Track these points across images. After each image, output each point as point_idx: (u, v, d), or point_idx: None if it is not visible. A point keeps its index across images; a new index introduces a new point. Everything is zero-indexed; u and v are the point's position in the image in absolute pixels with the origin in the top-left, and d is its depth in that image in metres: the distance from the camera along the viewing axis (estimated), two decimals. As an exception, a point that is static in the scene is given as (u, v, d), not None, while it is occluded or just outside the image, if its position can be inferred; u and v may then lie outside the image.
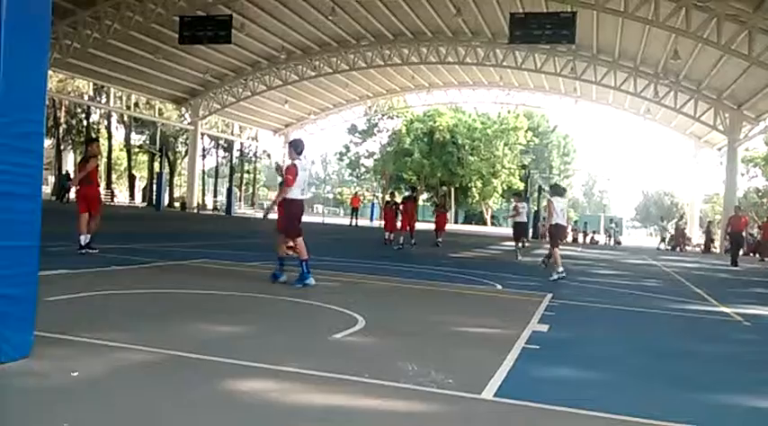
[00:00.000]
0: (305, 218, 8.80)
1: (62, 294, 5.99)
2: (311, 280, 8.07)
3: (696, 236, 38.66)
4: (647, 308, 8.67)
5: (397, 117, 67.63)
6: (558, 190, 13.09)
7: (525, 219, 14.82)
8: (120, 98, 43.73)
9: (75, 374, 3.66)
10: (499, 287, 9.92)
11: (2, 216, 3.62)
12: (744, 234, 24.40)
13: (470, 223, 70.75)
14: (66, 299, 5.91)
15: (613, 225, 49.40)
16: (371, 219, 47.16)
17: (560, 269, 12.09)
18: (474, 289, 9.46)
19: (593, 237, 41.61)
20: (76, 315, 5.36)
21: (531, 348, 5.19)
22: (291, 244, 8.39)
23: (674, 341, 6.56)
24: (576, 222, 50.28)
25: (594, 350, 5.65)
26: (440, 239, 20.98)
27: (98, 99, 47.71)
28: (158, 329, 5.05)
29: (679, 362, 5.42)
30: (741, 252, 24.25)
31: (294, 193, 8.15)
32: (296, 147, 8.48)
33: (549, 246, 12.91)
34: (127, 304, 6.26)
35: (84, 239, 10.01)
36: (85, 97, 47.86)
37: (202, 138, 53.79)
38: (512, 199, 17.70)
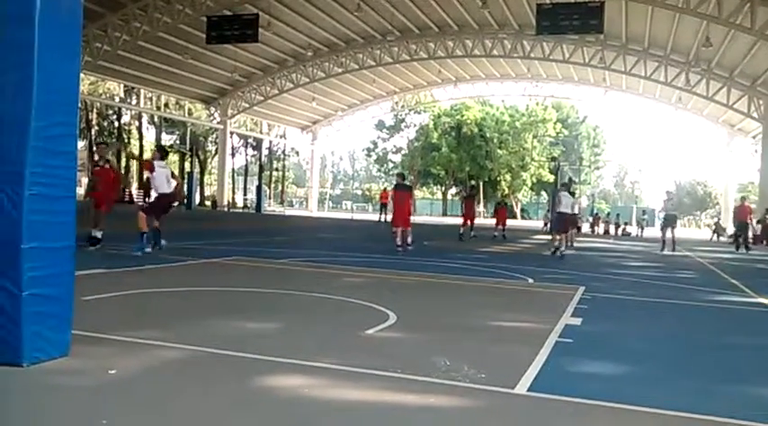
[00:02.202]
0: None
1: (98, 293, 6.09)
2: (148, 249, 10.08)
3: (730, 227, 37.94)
4: (681, 300, 8.54)
5: (424, 112, 67.50)
6: (566, 186, 16.87)
7: (568, 211, 15.86)
8: (151, 99, 44.34)
9: (113, 372, 3.72)
10: (531, 280, 9.85)
11: (38, 217, 3.69)
12: (748, 222, 24.94)
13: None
14: (103, 298, 6.00)
15: (647, 215, 48.52)
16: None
17: (560, 247, 15.12)
18: (505, 283, 9.41)
19: (624, 229, 41.10)
20: (112, 314, 5.45)
21: (564, 341, 5.14)
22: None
23: (710, 333, 6.44)
24: (608, 214, 49.68)
25: (628, 343, 5.57)
26: (503, 233, 22.57)
27: (129, 100, 48.44)
28: (192, 326, 5.11)
29: (717, 355, 5.33)
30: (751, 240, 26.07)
31: (163, 188, 10.37)
32: (158, 150, 11.64)
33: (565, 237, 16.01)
34: (161, 302, 6.35)
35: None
36: (116, 99, 48.60)
37: (231, 137, 54.28)
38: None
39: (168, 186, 10.40)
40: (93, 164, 12.07)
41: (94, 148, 15.14)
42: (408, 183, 15.94)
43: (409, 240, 14.49)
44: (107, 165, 11.52)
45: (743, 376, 4.62)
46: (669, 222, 19.42)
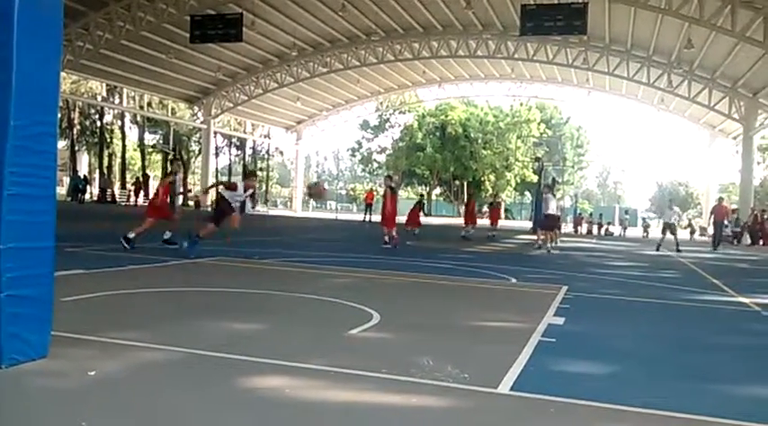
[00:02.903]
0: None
1: (78, 294, 6.03)
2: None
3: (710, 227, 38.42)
4: (663, 300, 8.60)
5: (409, 112, 67.49)
6: (550, 188, 19.66)
7: (552, 212, 17.80)
8: (133, 98, 43.98)
9: (93, 373, 3.68)
10: (514, 280, 9.88)
11: (17, 217, 3.64)
12: (725, 222, 26.14)
13: (484, 216, 70.56)
14: (83, 299, 5.94)
15: (629, 215, 48.89)
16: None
17: (546, 244, 17.50)
18: (489, 283, 9.43)
19: (607, 229, 41.40)
20: (93, 315, 5.39)
21: (547, 341, 5.16)
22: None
23: (692, 332, 6.50)
24: (590, 214, 49.96)
25: (611, 343, 5.61)
26: (493, 233, 23.71)
27: (111, 100, 48.00)
28: (175, 327, 5.07)
29: (697, 354, 5.37)
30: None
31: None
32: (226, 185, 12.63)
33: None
34: (143, 303, 6.29)
35: (132, 235, 10.88)
36: (99, 98, 48.16)
37: (215, 137, 53.95)
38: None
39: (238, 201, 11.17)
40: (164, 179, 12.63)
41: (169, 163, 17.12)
42: (393, 185, 17.24)
43: (393, 235, 15.45)
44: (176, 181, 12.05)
45: (726, 375, 4.66)
46: (668, 228, 21.40)
